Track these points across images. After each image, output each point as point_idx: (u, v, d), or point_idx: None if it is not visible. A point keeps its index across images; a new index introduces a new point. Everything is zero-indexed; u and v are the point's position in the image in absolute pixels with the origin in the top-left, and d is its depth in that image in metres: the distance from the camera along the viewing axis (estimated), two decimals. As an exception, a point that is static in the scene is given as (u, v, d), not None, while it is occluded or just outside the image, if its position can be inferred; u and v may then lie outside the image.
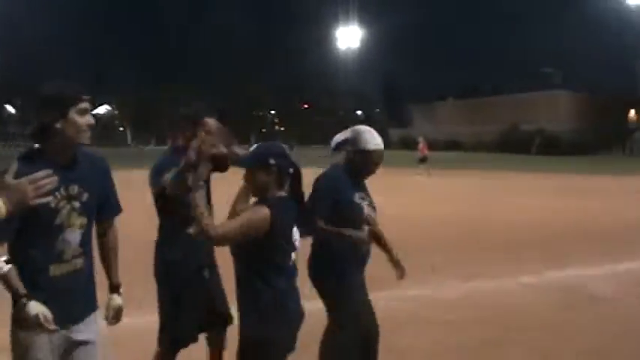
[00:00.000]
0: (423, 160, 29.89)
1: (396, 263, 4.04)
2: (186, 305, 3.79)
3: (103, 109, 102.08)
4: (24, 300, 2.60)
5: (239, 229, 2.85)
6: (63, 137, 2.69)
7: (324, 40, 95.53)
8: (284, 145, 3.15)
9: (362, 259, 3.88)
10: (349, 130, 3.95)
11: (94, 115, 2.82)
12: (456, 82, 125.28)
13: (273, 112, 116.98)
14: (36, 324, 2.59)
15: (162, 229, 3.92)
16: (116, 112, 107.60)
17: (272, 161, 2.96)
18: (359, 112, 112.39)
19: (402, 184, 23.14)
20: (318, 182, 3.85)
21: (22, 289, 2.62)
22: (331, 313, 3.82)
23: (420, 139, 30.96)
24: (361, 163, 3.86)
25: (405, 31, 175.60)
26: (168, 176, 3.37)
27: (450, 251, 9.98)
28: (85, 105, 2.70)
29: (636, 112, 74.69)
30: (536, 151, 64.69)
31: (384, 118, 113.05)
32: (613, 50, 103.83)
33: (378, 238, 3.98)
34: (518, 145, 67.77)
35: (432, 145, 33.85)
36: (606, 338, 5.57)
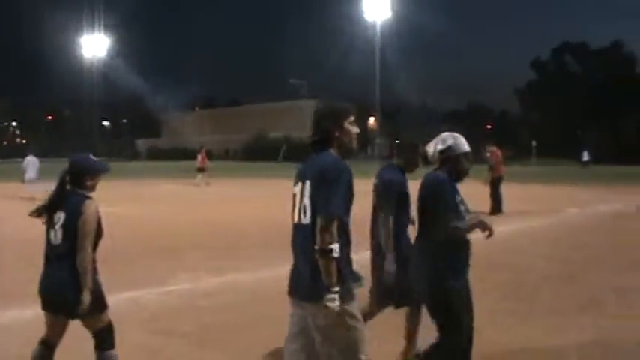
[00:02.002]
0: (200, 169, 29.95)
1: None
2: None
3: None
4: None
5: None
6: None
7: (69, 48, 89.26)
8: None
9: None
10: (443, 138, 4.11)
11: None
12: (204, 92, 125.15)
13: (14, 123, 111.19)
14: None
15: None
16: None
17: None
18: (106, 123, 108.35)
19: (152, 194, 23.89)
20: (433, 187, 4.01)
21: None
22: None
23: (201, 150, 31.18)
24: (460, 165, 4.07)
25: (154, 41, 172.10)
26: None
27: (206, 250, 10.75)
28: None
29: (375, 120, 79.69)
30: (283, 159, 66.24)
31: (131, 128, 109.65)
32: (355, 62, 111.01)
33: None
34: (265, 153, 68.99)
35: (181, 155, 32.73)
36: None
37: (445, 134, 4.18)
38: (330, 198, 3.17)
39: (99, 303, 4.09)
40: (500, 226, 13.42)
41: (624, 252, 10.77)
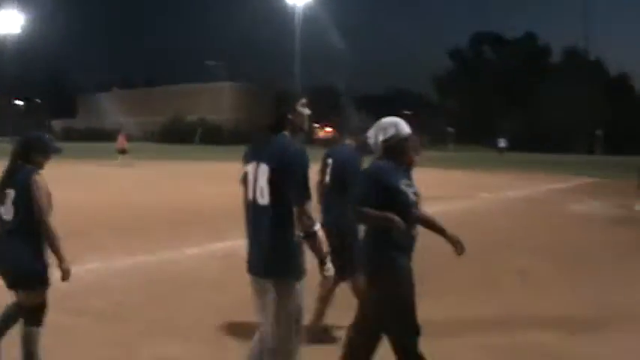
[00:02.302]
0: (122, 151, 30.20)
1: (453, 242, 4.25)
2: None
3: None
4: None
5: None
6: None
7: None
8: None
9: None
10: (383, 127, 3.98)
11: None
12: (120, 73, 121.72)
13: None
14: None
15: None
16: None
17: None
18: (19, 102, 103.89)
19: (67, 175, 22.45)
20: (364, 172, 4.06)
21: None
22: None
23: (121, 132, 31.64)
24: (405, 152, 3.97)
25: (70, 20, 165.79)
26: None
27: (121, 232, 10.79)
28: None
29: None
30: (199, 141, 65.43)
31: (46, 108, 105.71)
32: (275, 45, 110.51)
33: (429, 222, 4.22)
34: (183, 135, 68.03)
35: (98, 136, 31.76)
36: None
37: (385, 121, 4.01)
38: (302, 185, 3.35)
39: (44, 278, 4.13)
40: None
41: (531, 235, 11.31)
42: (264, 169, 3.39)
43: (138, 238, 10.17)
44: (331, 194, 5.25)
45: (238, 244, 8.77)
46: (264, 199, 3.39)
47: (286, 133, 3.52)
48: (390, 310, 3.79)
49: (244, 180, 3.53)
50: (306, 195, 3.36)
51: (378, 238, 3.82)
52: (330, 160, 5.33)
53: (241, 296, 4.95)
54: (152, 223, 12.01)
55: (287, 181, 3.35)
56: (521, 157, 46.96)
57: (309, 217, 3.35)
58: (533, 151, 56.71)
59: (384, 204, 3.72)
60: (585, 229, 12.63)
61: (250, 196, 3.48)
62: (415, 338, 3.77)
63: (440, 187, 19.09)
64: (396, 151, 3.94)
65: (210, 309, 6.21)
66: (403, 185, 3.86)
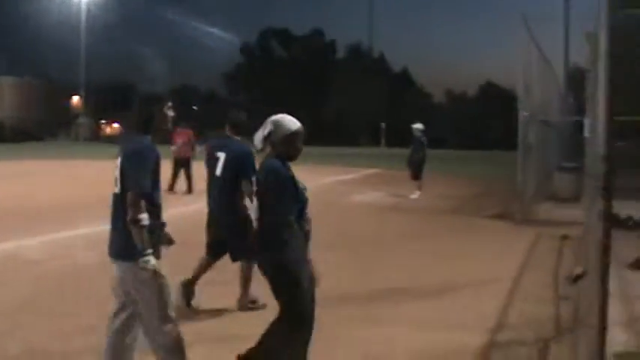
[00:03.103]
0: None
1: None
2: None
3: None
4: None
5: None
6: None
7: None
8: None
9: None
10: (265, 124, 4.15)
11: None
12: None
13: None
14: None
15: None
16: None
17: None
18: None
19: None
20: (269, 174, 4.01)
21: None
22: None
23: None
24: (290, 146, 4.07)
25: None
26: None
27: None
28: None
29: (80, 98, 75.46)
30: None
31: None
32: (58, 38, 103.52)
33: None
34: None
35: None
36: (41, 291, 6.80)
37: (268, 120, 4.19)
38: (138, 177, 3.74)
39: None
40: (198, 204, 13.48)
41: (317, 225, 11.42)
42: (118, 164, 3.89)
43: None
44: (223, 185, 5.87)
45: (19, 244, 9.31)
46: (117, 188, 3.86)
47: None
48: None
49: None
50: (141, 185, 3.74)
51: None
52: (220, 154, 5.92)
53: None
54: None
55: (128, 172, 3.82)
56: (310, 150, 48.26)
57: (138, 207, 3.68)
58: (321, 145, 58.72)
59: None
60: (366, 217, 13.20)
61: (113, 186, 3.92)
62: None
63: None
64: (281, 147, 4.08)
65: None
66: (298, 183, 4.05)
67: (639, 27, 7.49)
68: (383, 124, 69.83)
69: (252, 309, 5.93)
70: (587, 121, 10.64)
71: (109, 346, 3.95)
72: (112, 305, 4.03)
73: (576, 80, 26.12)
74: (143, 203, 3.66)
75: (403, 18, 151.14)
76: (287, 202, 3.92)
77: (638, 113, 7.80)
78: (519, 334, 5.64)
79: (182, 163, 16.13)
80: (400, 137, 72.38)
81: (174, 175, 16.02)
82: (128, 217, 3.64)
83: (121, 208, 3.73)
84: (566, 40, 21.48)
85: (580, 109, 28.22)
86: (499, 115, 60.69)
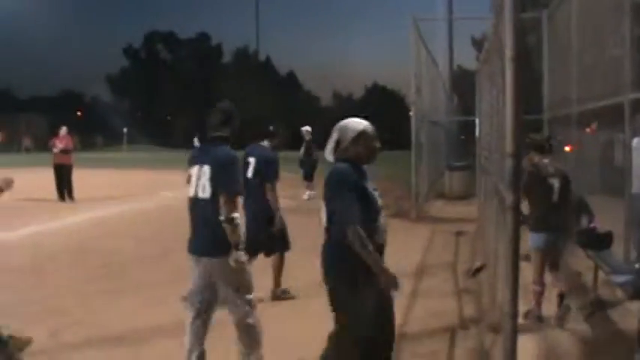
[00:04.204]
0: None
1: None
2: None
3: None
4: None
5: None
6: None
7: None
8: None
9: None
10: (332, 133, 3.86)
11: None
12: None
13: None
14: None
15: None
16: None
17: None
18: None
19: None
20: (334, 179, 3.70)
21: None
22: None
23: None
24: (361, 148, 3.79)
25: None
26: None
27: None
28: None
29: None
30: None
31: None
32: None
33: None
34: None
35: None
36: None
37: (334, 128, 3.88)
38: (233, 180, 4.22)
39: None
40: (96, 212, 13.16)
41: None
42: (205, 171, 4.25)
43: None
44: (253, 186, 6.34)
45: None
46: (205, 193, 4.22)
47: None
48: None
49: (189, 179, 4.34)
50: (235, 188, 4.26)
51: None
52: (251, 159, 6.58)
53: None
54: None
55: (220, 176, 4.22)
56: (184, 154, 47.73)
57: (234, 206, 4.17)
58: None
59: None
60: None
61: (192, 192, 4.30)
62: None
63: (118, 188, 18.41)
64: (352, 151, 3.78)
65: None
66: (370, 188, 3.75)
67: (526, 30, 7.91)
68: (271, 128, 69.87)
69: (284, 299, 6.56)
70: (478, 121, 11.10)
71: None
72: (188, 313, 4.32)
73: (460, 81, 27.24)
74: (237, 203, 4.12)
75: (289, 21, 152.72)
76: (352, 209, 3.51)
77: (527, 113, 8.24)
78: (426, 327, 5.81)
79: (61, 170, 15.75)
80: (289, 141, 73.07)
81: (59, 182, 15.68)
82: (223, 216, 4.03)
83: (210, 210, 4.13)
84: (450, 42, 22.26)
85: (465, 109, 29.57)
86: (386, 115, 62.20)
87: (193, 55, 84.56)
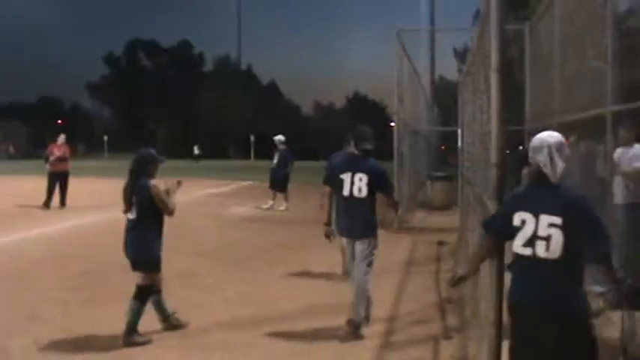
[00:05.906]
0: None
1: None
2: None
3: None
4: None
5: None
6: None
7: None
8: None
9: None
10: (551, 152, 3.27)
11: None
12: None
13: None
14: None
15: None
16: None
17: None
18: None
19: None
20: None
21: None
22: None
23: None
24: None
25: None
26: None
27: None
28: None
29: None
30: None
31: None
32: None
33: None
34: None
35: None
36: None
37: (545, 145, 3.27)
38: (389, 184, 6.15)
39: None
40: (80, 219, 13.07)
41: (192, 239, 11.22)
42: (361, 177, 5.82)
43: None
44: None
45: None
46: (361, 194, 5.83)
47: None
48: None
49: (341, 183, 5.89)
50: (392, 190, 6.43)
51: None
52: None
53: None
54: None
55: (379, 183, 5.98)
56: (177, 163, 47.40)
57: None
58: (190, 158, 57.73)
59: None
60: (245, 228, 13.01)
61: (347, 192, 5.86)
62: None
63: (102, 196, 18.26)
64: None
65: None
66: None
67: (508, 42, 7.98)
68: (252, 137, 69.82)
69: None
70: (460, 132, 11.16)
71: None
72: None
73: (441, 91, 27.45)
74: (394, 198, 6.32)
75: (271, 30, 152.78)
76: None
77: (509, 124, 8.27)
78: (410, 335, 5.85)
79: (58, 177, 15.62)
80: (270, 150, 72.74)
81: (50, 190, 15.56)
82: (393, 211, 7.13)
83: (367, 205, 5.82)
84: (432, 54, 22.45)
85: (444, 120, 29.74)
86: (367, 125, 62.25)
87: (175, 63, 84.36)
